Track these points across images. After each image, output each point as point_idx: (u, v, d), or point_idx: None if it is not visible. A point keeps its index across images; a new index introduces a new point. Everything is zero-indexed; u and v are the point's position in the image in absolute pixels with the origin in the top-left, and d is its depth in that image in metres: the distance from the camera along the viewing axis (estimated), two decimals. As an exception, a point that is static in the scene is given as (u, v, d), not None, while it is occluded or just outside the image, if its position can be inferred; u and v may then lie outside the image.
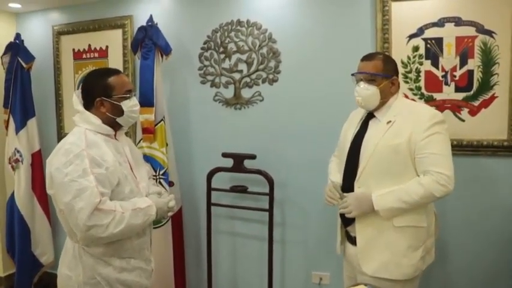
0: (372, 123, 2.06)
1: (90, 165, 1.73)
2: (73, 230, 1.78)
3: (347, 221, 2.09)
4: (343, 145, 2.17)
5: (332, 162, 2.37)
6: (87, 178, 1.71)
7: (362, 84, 2.01)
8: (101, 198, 1.71)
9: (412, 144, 1.90)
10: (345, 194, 2.03)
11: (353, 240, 2.08)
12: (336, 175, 2.21)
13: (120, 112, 1.90)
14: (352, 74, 2.09)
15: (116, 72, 1.95)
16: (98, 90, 1.87)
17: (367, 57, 2.05)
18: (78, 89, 1.98)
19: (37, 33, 3.66)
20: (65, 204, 1.71)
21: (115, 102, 1.88)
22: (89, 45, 3.45)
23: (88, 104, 1.90)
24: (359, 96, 2.02)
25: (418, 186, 1.87)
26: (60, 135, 3.61)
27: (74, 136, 1.82)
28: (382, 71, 1.98)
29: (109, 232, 1.73)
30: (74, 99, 1.92)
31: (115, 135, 1.96)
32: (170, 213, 2.08)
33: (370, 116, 2.08)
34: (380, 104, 2.01)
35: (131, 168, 1.96)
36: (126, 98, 1.91)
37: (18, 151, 3.43)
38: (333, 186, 2.10)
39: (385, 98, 2.00)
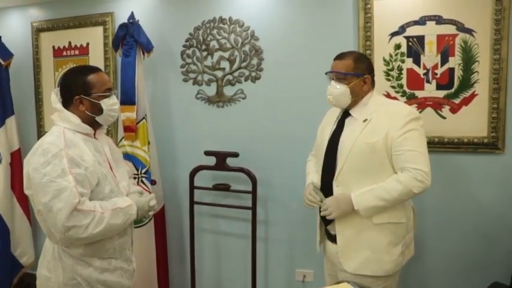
0: (348, 122, 2.07)
1: (69, 165, 1.70)
2: (52, 231, 1.75)
3: (327, 220, 2.09)
4: (320, 144, 2.17)
5: (310, 161, 2.37)
6: (65, 178, 1.68)
7: (333, 83, 2.03)
8: (80, 198, 1.69)
9: (389, 142, 1.91)
10: (324, 198, 2.04)
11: (333, 238, 2.09)
12: (314, 175, 2.21)
13: (100, 111, 1.87)
14: (326, 73, 2.10)
15: (95, 70, 1.92)
16: (77, 88, 1.84)
17: (338, 56, 2.06)
18: (57, 87, 1.94)
19: (15, 29, 3.58)
20: (43, 205, 1.69)
21: (94, 101, 1.85)
22: (69, 43, 3.40)
23: (67, 102, 1.87)
24: (330, 95, 2.04)
25: (397, 183, 1.88)
26: (40, 133, 3.55)
27: (52, 135, 1.79)
28: (352, 69, 1.99)
29: (89, 233, 1.71)
30: (52, 97, 1.89)
31: (94, 134, 1.93)
32: (151, 213, 2.06)
33: (346, 114, 2.09)
34: (354, 102, 2.03)
35: (111, 168, 1.94)
36: (105, 97, 1.88)
37: (-3, 150, 3.36)
38: (313, 189, 2.10)
39: (356, 96, 2.01)
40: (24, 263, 3.51)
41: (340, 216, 1.99)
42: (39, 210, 1.74)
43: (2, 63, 3.34)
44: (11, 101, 3.43)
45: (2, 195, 3.35)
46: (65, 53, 3.43)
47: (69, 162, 1.71)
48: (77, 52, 3.38)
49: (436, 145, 2.48)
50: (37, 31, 3.49)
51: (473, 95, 2.43)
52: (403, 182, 1.87)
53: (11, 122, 3.43)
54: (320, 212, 2.06)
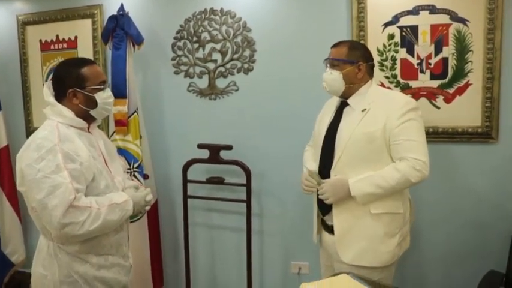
0: (346, 112, 2.07)
1: (64, 160, 1.66)
2: (47, 228, 1.71)
3: (324, 210, 2.09)
4: (318, 134, 2.17)
5: (307, 151, 2.36)
6: (60, 174, 1.64)
7: (327, 70, 2.05)
8: (76, 194, 1.65)
9: (387, 132, 1.91)
10: (322, 180, 2.03)
11: (330, 229, 2.09)
12: (311, 164, 2.20)
13: (94, 104, 1.83)
14: (323, 61, 2.11)
15: (89, 62, 1.87)
16: (71, 81, 1.80)
17: (335, 44, 2.09)
18: (47, 80, 1.89)
19: (0, 23, 3.49)
20: (37, 202, 1.65)
21: (88, 94, 1.81)
22: (57, 36, 3.32)
23: (60, 96, 1.82)
24: (324, 81, 2.05)
25: (395, 171, 1.88)
26: (29, 129, 3.48)
27: (45, 130, 1.74)
28: (345, 56, 2.01)
29: (85, 229, 1.68)
30: (44, 91, 1.84)
31: (88, 128, 1.89)
32: (147, 207, 2.03)
33: (344, 104, 2.08)
34: (349, 90, 2.02)
35: (105, 163, 1.90)
36: (100, 90, 1.84)
37: (-16, 147, 3.30)
38: (309, 174, 2.10)
39: (351, 83, 2.01)
40: (15, 261, 3.46)
41: (337, 201, 1.98)
42: (33, 207, 1.70)
43: (-12, 57, 3.27)
44: (-2, 96, 3.36)
45: (-8, 193, 3.30)
46: (52, 47, 3.35)
47: (63, 158, 1.67)
48: (65, 45, 3.31)
49: (431, 135, 2.47)
50: (23, 24, 3.40)
51: (467, 85, 2.43)
52: (401, 171, 1.87)
53: (-2, 117, 3.36)
54: (318, 196, 2.06)
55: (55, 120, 1.78)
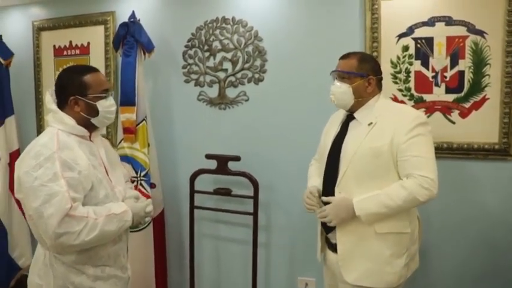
0: (352, 125, 1.99)
1: (62, 168, 1.63)
2: (42, 237, 1.68)
3: (328, 228, 2.01)
4: (323, 148, 2.10)
5: (312, 166, 2.29)
6: (57, 183, 1.61)
7: (335, 82, 1.97)
8: (72, 204, 1.61)
9: (394, 147, 1.83)
10: (324, 198, 1.96)
11: (334, 247, 2.01)
12: (316, 180, 2.13)
13: (95, 112, 1.80)
14: (331, 73, 2.04)
15: (92, 69, 1.85)
16: (72, 88, 1.77)
17: (343, 56, 2.01)
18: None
19: (16, 28, 3.54)
20: (34, 210, 1.62)
21: (90, 102, 1.78)
22: (70, 42, 3.34)
23: (62, 103, 1.80)
24: (332, 95, 1.98)
25: (401, 189, 1.80)
26: (40, 133, 3.49)
27: (45, 137, 1.72)
28: (355, 69, 1.93)
29: (81, 239, 1.64)
30: (47, 98, 1.82)
31: (90, 136, 1.86)
32: (147, 219, 1.98)
33: (350, 117, 2.01)
34: (357, 104, 1.95)
35: (106, 172, 1.87)
36: (102, 98, 1.81)
37: (-5, 150, 3.31)
38: (310, 192, 2.03)
39: (360, 97, 1.94)
40: (22, 265, 3.45)
41: (340, 223, 1.91)
42: (31, 215, 1.67)
43: (3, 62, 3.30)
44: (11, 100, 3.38)
45: (0, 196, 3.30)
46: (65, 53, 3.37)
47: (61, 166, 1.63)
48: (77, 51, 3.33)
49: (445, 151, 2.39)
50: (38, 30, 3.44)
51: (484, 99, 2.34)
52: (408, 189, 1.78)
53: (10, 121, 3.38)
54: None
55: (56, 128, 1.76)
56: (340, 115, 2.09)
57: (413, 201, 1.79)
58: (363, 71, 1.93)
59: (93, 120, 1.82)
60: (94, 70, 1.85)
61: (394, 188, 1.82)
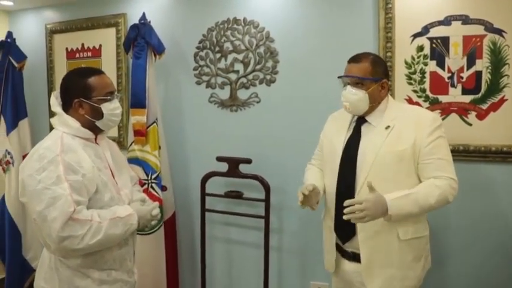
0: (365, 129, 1.90)
1: (65, 171, 1.61)
2: (47, 241, 1.66)
3: (344, 237, 1.92)
4: (329, 153, 1.99)
5: (309, 170, 2.17)
6: (61, 186, 1.59)
7: (349, 89, 1.86)
8: (76, 207, 1.59)
9: (416, 150, 1.78)
10: (352, 201, 1.72)
11: (350, 256, 1.93)
12: (318, 183, 1.99)
13: (100, 115, 1.77)
14: (339, 77, 1.93)
15: (97, 72, 1.83)
16: (77, 91, 1.75)
17: (354, 59, 1.89)
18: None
19: (30, 31, 3.57)
20: (37, 214, 1.60)
21: (94, 104, 1.76)
22: (82, 44, 3.36)
23: (66, 106, 1.78)
24: (346, 102, 1.87)
25: (435, 188, 1.73)
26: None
27: (49, 140, 1.71)
28: (370, 74, 1.83)
29: (85, 243, 1.61)
30: (52, 100, 1.82)
31: (96, 139, 1.84)
32: (154, 222, 1.95)
33: (361, 120, 1.93)
34: (371, 109, 1.87)
35: (112, 174, 1.84)
36: (106, 100, 1.78)
37: (9, 152, 3.34)
38: (306, 187, 1.86)
39: (374, 102, 1.86)
40: (35, 267, 3.45)
41: (369, 222, 1.74)
42: (34, 219, 1.65)
43: (16, 65, 3.33)
44: (24, 103, 3.42)
45: (14, 199, 3.32)
46: (77, 55, 3.39)
47: (65, 169, 1.61)
48: (89, 54, 3.34)
49: (461, 153, 2.31)
50: (51, 33, 3.47)
51: (502, 100, 2.26)
52: (442, 188, 1.74)
53: (23, 124, 3.41)
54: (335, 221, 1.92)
55: (61, 130, 1.74)
56: (343, 116, 2.00)
57: (443, 201, 1.75)
58: (377, 75, 1.85)
59: (98, 123, 1.80)
60: (99, 72, 1.83)
61: (427, 187, 1.75)
